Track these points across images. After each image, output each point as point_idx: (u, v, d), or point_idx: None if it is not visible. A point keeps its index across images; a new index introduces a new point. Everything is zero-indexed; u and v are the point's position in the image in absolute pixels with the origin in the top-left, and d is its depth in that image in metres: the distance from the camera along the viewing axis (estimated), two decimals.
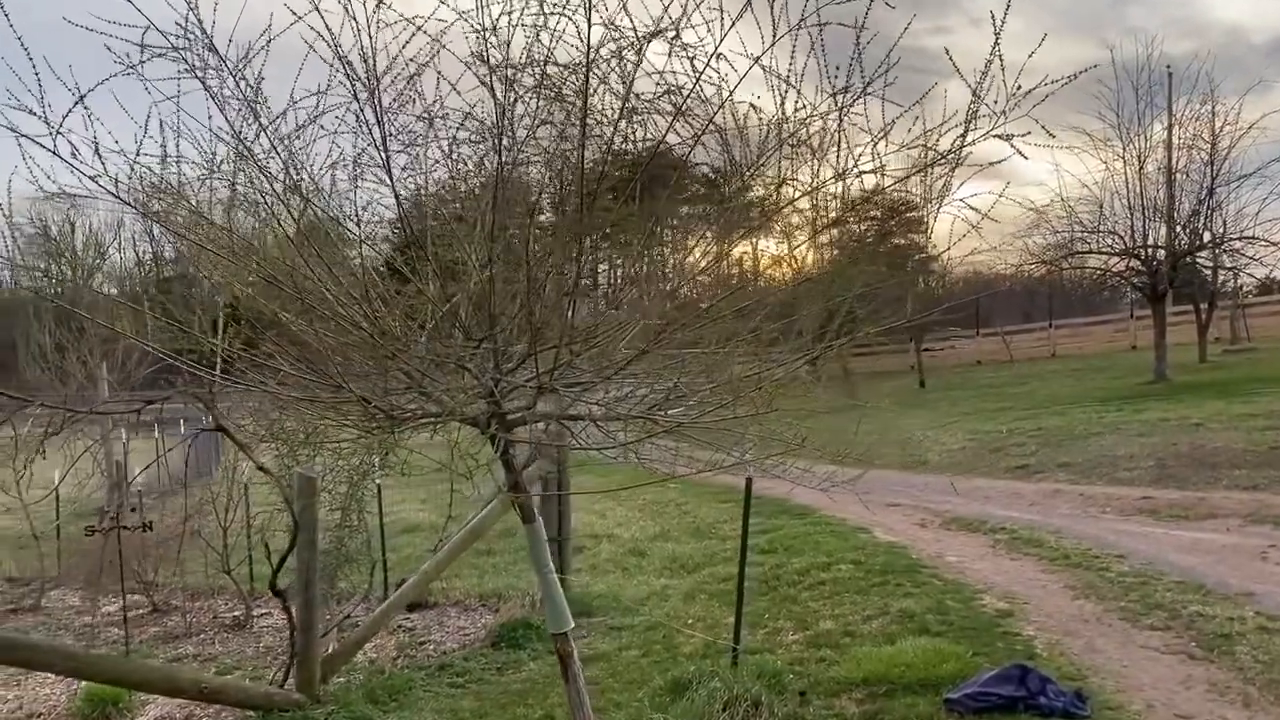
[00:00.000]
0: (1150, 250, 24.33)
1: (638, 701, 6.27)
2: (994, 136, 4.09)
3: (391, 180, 4.08)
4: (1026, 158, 3.72)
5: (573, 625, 5.34)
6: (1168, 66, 25.28)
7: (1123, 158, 24.68)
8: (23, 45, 3.70)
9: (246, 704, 6.63)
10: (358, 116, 3.92)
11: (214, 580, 11.11)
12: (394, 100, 4.00)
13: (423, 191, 4.62)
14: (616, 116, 4.24)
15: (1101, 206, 24.54)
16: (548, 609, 5.40)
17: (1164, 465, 14.26)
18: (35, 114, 3.80)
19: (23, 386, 16.14)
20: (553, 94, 4.05)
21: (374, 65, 3.79)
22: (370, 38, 3.81)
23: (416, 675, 7.61)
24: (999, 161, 4.16)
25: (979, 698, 5.63)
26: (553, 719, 6.28)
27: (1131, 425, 17.32)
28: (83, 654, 6.81)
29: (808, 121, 4.27)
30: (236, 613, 10.64)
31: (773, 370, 4.66)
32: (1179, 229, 24.44)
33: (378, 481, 10.12)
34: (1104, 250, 25.07)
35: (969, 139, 4.14)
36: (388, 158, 4.09)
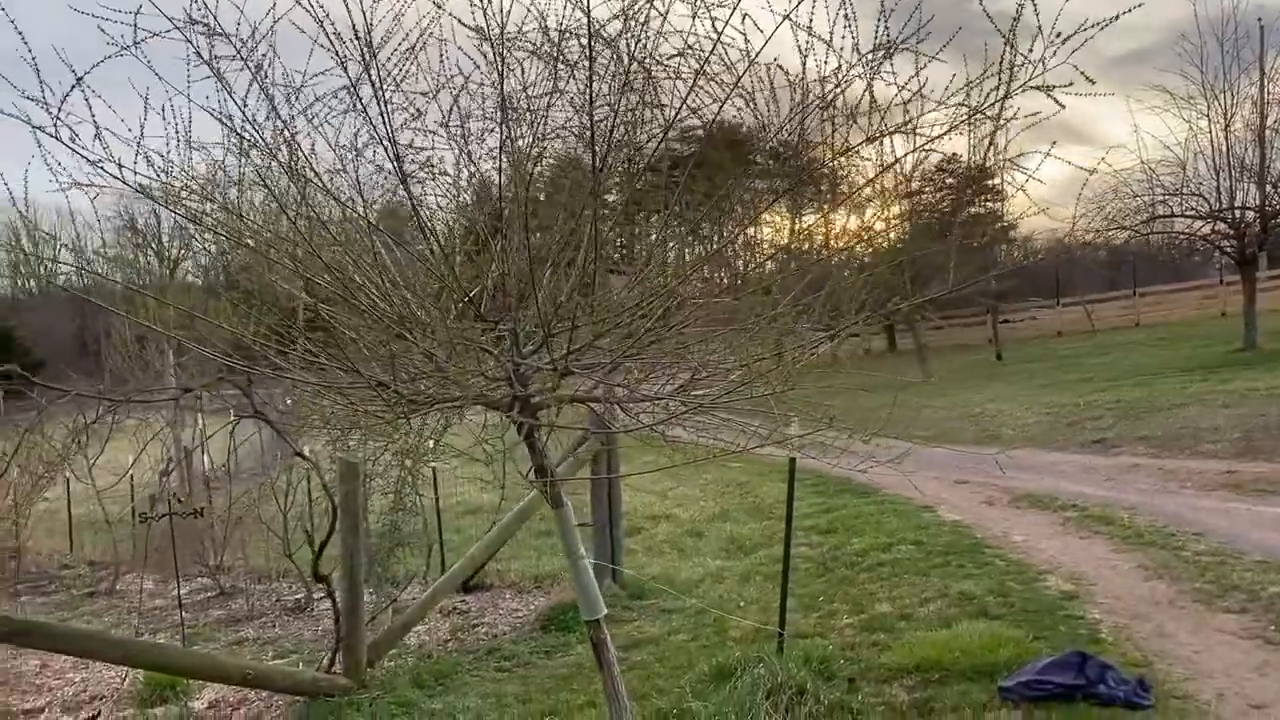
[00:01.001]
0: (1238, 212, 23.20)
1: (680, 688, 6.12)
2: (1032, 88, 3.83)
3: (399, 163, 3.94)
4: (1063, 106, 3.45)
5: (605, 612, 5.20)
6: (1259, 19, 24.04)
7: (1208, 116, 23.57)
8: (18, 31, 3.66)
9: (293, 690, 6.65)
10: (354, 92, 3.79)
11: (278, 564, 11.29)
12: (396, 71, 3.87)
13: (435, 169, 4.48)
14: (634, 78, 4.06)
15: (1185, 168, 23.46)
16: (579, 596, 5.28)
17: (1250, 437, 13.59)
18: (34, 100, 3.76)
19: (111, 375, 16.64)
20: (557, 58, 3.88)
21: (369, 36, 3.65)
22: (365, 14, 3.68)
23: (464, 659, 7.58)
24: (1052, 115, 3.89)
25: (1034, 686, 5.36)
26: (595, 705, 6.15)
27: (1217, 396, 16.56)
28: (130, 642, 6.90)
29: (844, 78, 4.05)
30: (298, 596, 10.76)
31: (808, 346, 4.46)
32: (1270, 189, 23.25)
33: (432, 465, 10.10)
34: (1188, 214, 23.99)
35: (1012, 88, 3.88)
36: (392, 136, 3.96)
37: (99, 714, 5.81)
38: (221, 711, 7.07)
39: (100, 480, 11.15)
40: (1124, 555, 8.41)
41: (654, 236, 5.19)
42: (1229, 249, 23.83)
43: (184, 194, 4.38)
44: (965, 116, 4.07)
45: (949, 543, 9.33)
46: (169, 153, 4.28)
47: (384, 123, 3.80)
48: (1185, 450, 13.77)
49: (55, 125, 3.88)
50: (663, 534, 11.65)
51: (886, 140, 4.15)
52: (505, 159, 3.97)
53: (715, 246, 4.98)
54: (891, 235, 5.84)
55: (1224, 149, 23.27)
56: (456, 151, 4.30)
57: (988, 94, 3.97)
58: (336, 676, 6.90)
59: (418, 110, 4.08)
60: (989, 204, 39.74)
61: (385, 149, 3.80)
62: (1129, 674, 5.48)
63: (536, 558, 10.87)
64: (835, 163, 4.51)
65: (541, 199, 5.19)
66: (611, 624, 7.73)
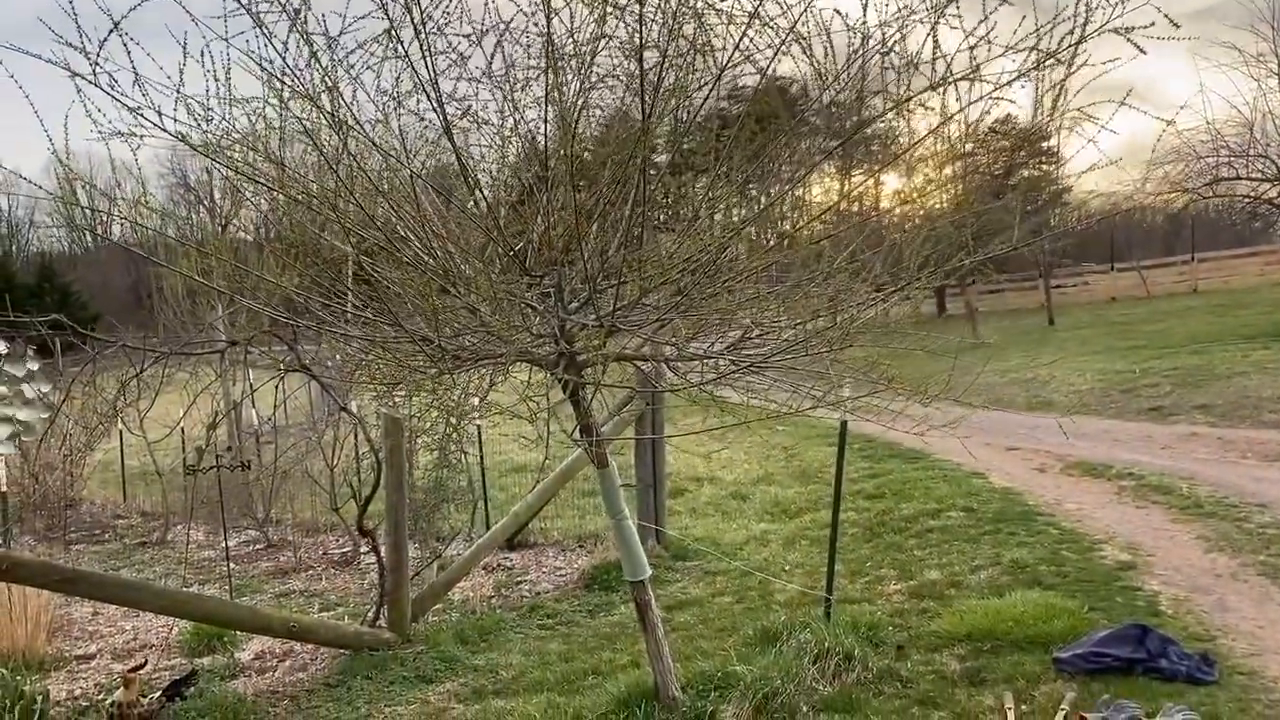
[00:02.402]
0: None
1: (724, 651, 6.04)
2: (1110, 31, 3.62)
3: (442, 109, 3.82)
4: (1143, 51, 3.25)
5: (649, 573, 5.13)
6: None
7: (1277, 74, 22.69)
8: None
9: (337, 643, 6.68)
10: (395, 35, 3.67)
11: (325, 518, 11.39)
12: (438, 14, 3.74)
13: (478, 118, 4.36)
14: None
15: (1252, 129, 22.62)
16: (623, 556, 5.21)
17: None
18: (74, 46, 3.69)
19: (164, 329, 16.85)
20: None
21: None
22: None
23: (508, 616, 7.57)
24: (1129, 60, 3.67)
25: (1092, 658, 5.20)
26: (638, 665, 6.09)
27: (1279, 365, 16.09)
28: (175, 593, 6.97)
29: (906, 23, 3.87)
30: (345, 549, 10.85)
31: (865, 304, 4.30)
32: None
33: (477, 422, 10.08)
34: (1254, 176, 23.15)
35: (1088, 30, 3.68)
36: (435, 80, 3.84)
37: (145, 664, 5.86)
38: (267, 662, 7.13)
39: (152, 433, 11.31)
40: (1183, 526, 8.17)
41: (703, 193, 5.04)
42: None
43: (225, 143, 4.31)
44: (1036, 63, 3.87)
45: (1000, 509, 9.13)
46: (209, 102, 4.21)
47: (427, 67, 3.68)
48: (1246, 420, 13.37)
49: (94, 72, 3.81)
50: (706, 496, 11.56)
51: (950, 92, 3.97)
52: (551, 108, 3.84)
53: (766, 203, 4.81)
54: (949, 194, 5.62)
55: None
56: (500, 99, 4.17)
57: (1061, 38, 3.77)
58: (381, 630, 6.92)
59: (461, 55, 3.95)
60: (1043, 166, 38.84)
61: (428, 95, 3.68)
62: (1192, 648, 5.31)
63: (580, 517, 10.82)
64: (893, 117, 4.33)
65: (588, 156, 5.06)
66: (654, 585, 7.66)
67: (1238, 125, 22.84)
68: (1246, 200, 24.68)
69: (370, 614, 7.30)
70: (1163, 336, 23.00)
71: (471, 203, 4.50)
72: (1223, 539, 7.61)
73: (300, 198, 4.36)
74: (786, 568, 8.20)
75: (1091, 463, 11.17)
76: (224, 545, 11.93)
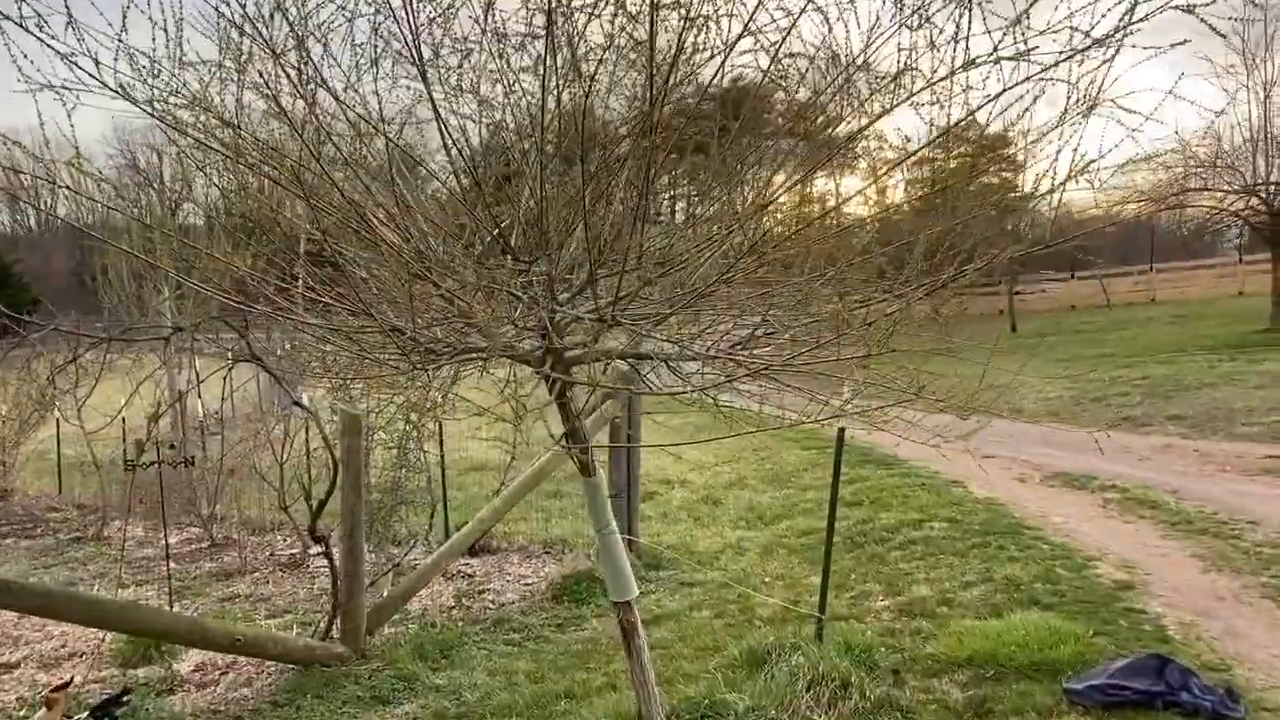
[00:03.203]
0: (1274, 188, 22.46)
1: (709, 674, 5.60)
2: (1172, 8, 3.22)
3: (418, 56, 3.32)
4: (1222, 36, 2.84)
5: (637, 594, 4.67)
6: None
7: (1247, 86, 22.77)
8: None
9: (285, 658, 6.14)
10: None
11: (274, 515, 10.80)
12: None
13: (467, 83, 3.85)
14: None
15: (1220, 140, 22.67)
16: (608, 574, 4.74)
17: None
18: None
19: (109, 314, 16.06)
20: None
21: None
22: None
23: (471, 630, 7.06)
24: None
25: (1109, 691, 4.83)
26: (615, 688, 5.64)
27: (1248, 376, 16.02)
28: (107, 603, 6.37)
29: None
30: (294, 550, 10.28)
31: (883, 305, 3.87)
32: None
33: (439, 418, 9.55)
34: (1221, 188, 23.21)
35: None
36: (417, 42, 3.34)
37: (72, 680, 5.29)
38: (208, 675, 6.57)
39: (91, 422, 10.65)
40: (1175, 543, 7.88)
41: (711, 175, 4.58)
42: (1260, 225, 23.10)
43: (173, 101, 3.77)
44: (1081, 47, 3.45)
45: (985, 521, 8.80)
46: (156, 53, 3.68)
47: (409, 16, 3.18)
48: (1220, 432, 13.21)
49: (19, 8, 3.28)
50: (678, 500, 11.11)
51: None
52: (549, 64, 3.35)
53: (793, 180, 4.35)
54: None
55: (1262, 121, 22.51)
56: (488, 57, 3.68)
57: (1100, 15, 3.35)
58: (333, 644, 6.39)
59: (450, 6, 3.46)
60: (1003, 174, 38.82)
61: (407, 44, 3.18)
62: (1211, 680, 4.96)
63: (545, 520, 10.35)
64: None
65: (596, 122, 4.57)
66: None
67: (1207, 136, 22.88)
68: (1212, 211, 24.75)
69: (322, 625, 6.77)
70: (1127, 344, 23.02)
71: (451, 176, 4.01)
72: (1219, 558, 7.31)
73: (257, 165, 3.84)
74: (766, 579, 7.78)
75: (1073, 474, 10.90)
76: (180, 540, 11.33)
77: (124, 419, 12.21)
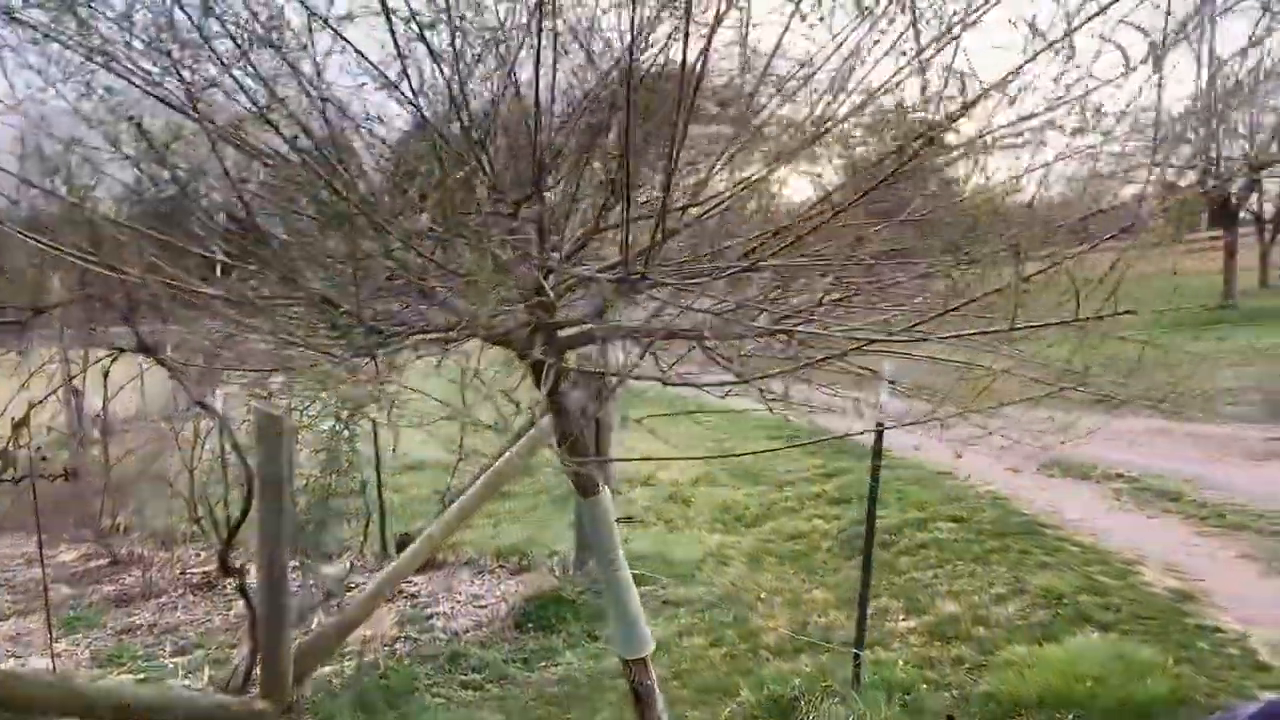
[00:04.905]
0: (1221, 164, 22.13)
1: None
2: None
3: None
4: None
5: (653, 648, 3.57)
6: None
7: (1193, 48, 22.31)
8: None
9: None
10: None
11: (185, 526, 9.49)
12: None
13: None
14: None
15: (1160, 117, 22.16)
16: (616, 622, 3.62)
17: (1275, 400, 12.42)
18: None
19: None
20: None
21: None
22: None
23: (420, 669, 5.88)
24: None
25: None
26: None
27: (1220, 355, 15.49)
28: None
29: None
30: (207, 568, 8.95)
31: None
32: (1247, 143, 22.19)
33: (373, 417, 8.32)
34: (1171, 164, 22.78)
35: None
36: None
37: None
38: None
39: None
40: (1215, 540, 7.03)
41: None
42: (1214, 202, 22.78)
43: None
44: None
45: (995, 520, 7.87)
46: None
47: None
48: (1206, 413, 12.53)
49: None
50: (644, 499, 9.97)
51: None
52: None
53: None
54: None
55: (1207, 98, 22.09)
56: None
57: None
58: (251, 700, 5.16)
59: None
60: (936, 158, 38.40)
61: None
62: None
63: (494, 526, 9.18)
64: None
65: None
66: (602, 621, 6.11)
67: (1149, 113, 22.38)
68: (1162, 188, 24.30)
69: (239, 671, 5.53)
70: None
71: (406, 82, 2.84)
72: (1274, 558, 6.47)
73: (122, 64, 2.63)
74: (761, 595, 6.74)
75: (1069, 462, 10.04)
76: (77, 556, 9.98)
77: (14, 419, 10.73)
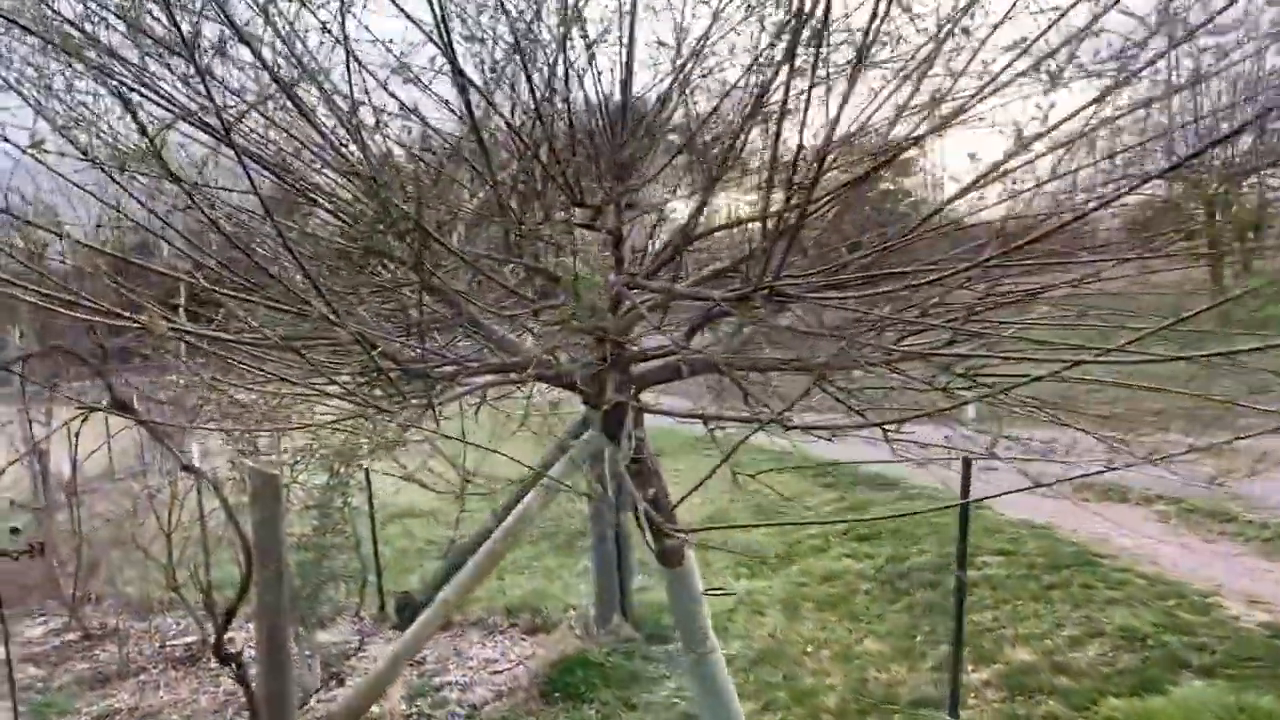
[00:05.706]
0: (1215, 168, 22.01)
1: None
2: None
3: None
4: None
5: None
6: None
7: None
8: None
9: None
10: None
11: (163, 594, 8.77)
12: None
13: None
14: None
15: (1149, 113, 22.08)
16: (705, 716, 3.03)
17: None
18: None
19: None
20: None
21: None
22: None
23: None
24: None
25: None
26: None
27: (1221, 367, 15.10)
28: None
29: None
30: (190, 638, 8.23)
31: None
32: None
33: (364, 465, 7.68)
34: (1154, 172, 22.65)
35: None
36: None
37: None
38: None
39: None
40: None
41: None
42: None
43: None
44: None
45: (1043, 550, 7.33)
46: None
47: None
48: (1228, 428, 12.10)
49: None
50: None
51: None
52: None
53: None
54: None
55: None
56: None
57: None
58: None
59: None
60: (899, 179, 38.43)
61: None
62: None
63: (498, 579, 8.52)
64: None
65: None
66: (638, 686, 5.51)
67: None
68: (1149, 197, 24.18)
69: None
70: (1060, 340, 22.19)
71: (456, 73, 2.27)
72: None
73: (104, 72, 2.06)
74: (808, 650, 6.14)
75: (1099, 483, 9.52)
76: (45, 631, 9.27)
77: None
